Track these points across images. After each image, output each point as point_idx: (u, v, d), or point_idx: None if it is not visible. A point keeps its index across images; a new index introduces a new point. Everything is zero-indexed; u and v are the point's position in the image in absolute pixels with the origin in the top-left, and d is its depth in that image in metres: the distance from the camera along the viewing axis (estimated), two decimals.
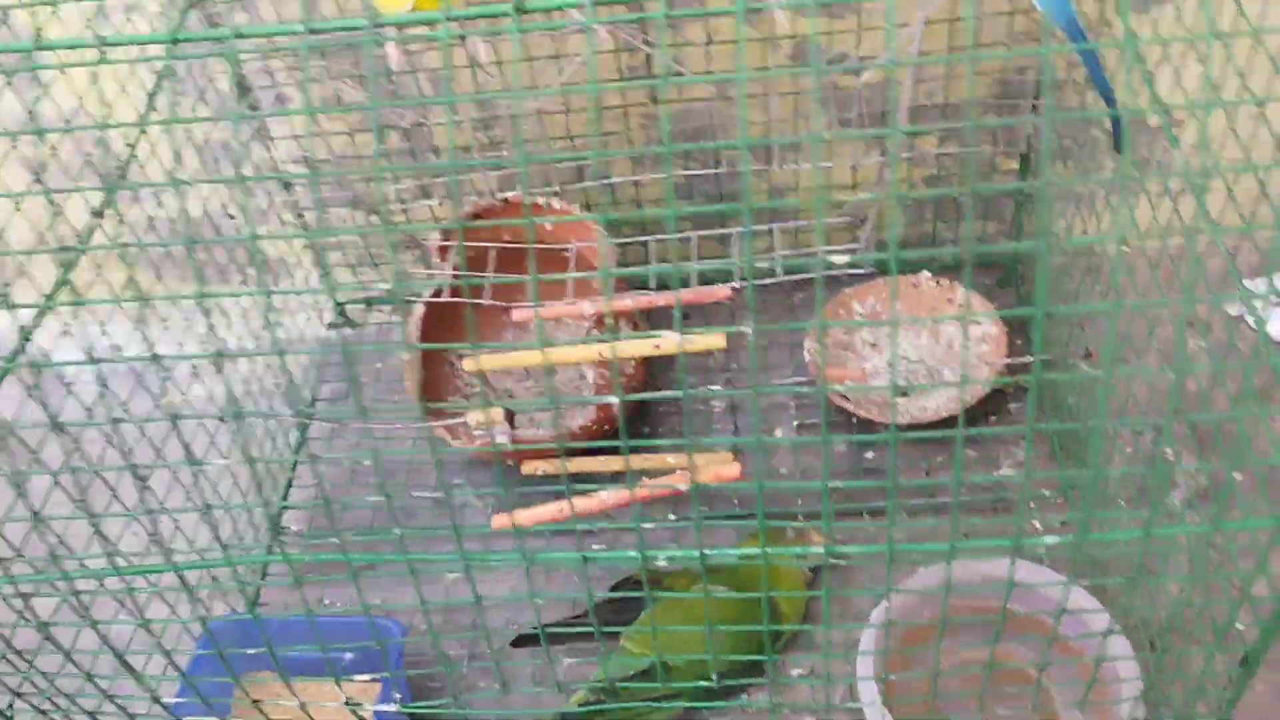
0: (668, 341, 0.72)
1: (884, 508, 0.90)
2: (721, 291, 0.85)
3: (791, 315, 1.05)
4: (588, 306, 0.85)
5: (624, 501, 0.77)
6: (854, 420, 0.95)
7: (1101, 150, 0.87)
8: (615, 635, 0.81)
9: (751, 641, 0.80)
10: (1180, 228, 0.63)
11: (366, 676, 0.78)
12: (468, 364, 0.75)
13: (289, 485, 0.98)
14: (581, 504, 0.77)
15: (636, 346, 0.73)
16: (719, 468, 0.75)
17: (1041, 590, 0.77)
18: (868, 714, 0.72)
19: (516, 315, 0.86)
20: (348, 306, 1.11)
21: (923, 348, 0.98)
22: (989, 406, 0.95)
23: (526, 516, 0.77)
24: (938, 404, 0.94)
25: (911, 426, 0.94)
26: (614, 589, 0.83)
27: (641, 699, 0.77)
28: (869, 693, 0.72)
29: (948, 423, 0.95)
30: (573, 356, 0.74)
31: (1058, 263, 0.91)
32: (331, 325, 1.10)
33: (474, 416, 0.81)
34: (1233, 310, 1.01)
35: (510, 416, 0.81)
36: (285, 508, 0.97)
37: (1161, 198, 0.71)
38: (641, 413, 1.00)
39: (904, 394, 0.95)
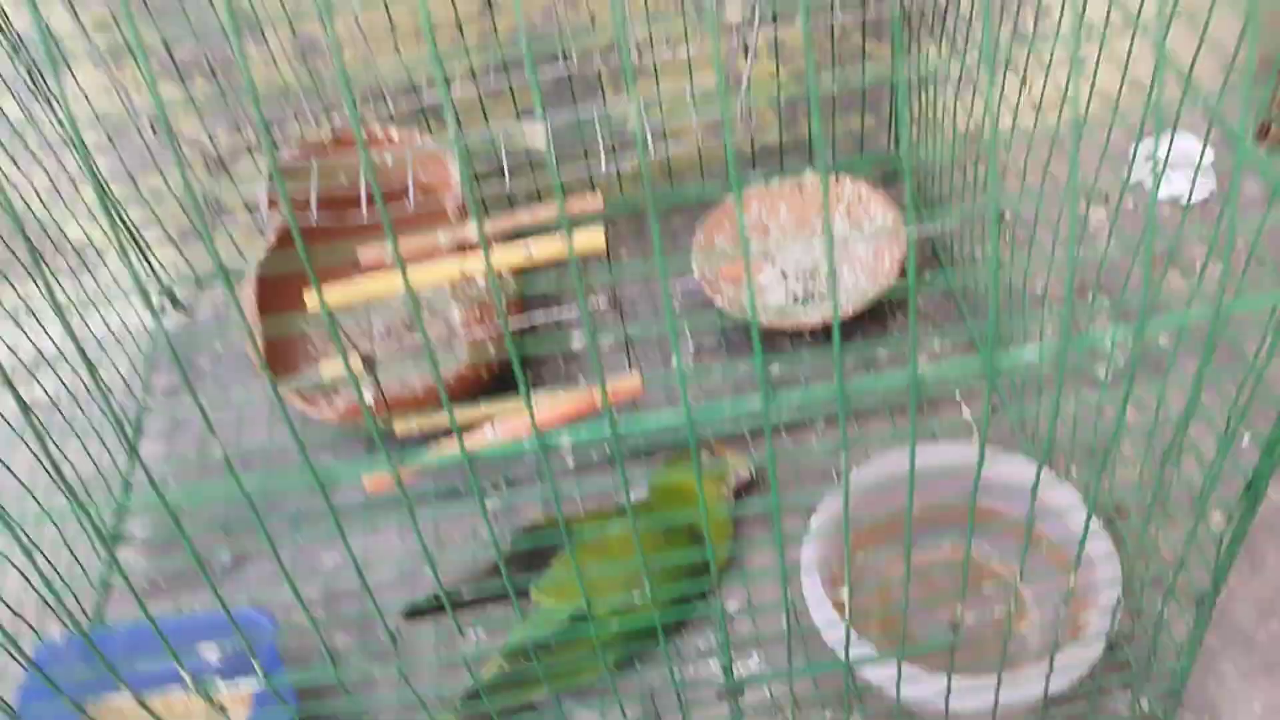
0: (542, 246, 0.63)
1: (800, 424, 0.82)
2: (592, 201, 0.75)
3: (670, 240, 0.97)
4: (443, 237, 0.74)
5: (520, 430, 0.67)
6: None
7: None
8: (524, 596, 0.71)
9: (679, 579, 0.71)
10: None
11: (234, 685, 0.66)
12: (309, 301, 0.64)
13: (126, 488, 0.85)
14: (472, 440, 0.66)
15: (507, 255, 0.63)
16: (621, 384, 0.65)
17: (991, 472, 0.70)
18: (826, 637, 0.63)
19: (364, 259, 0.75)
20: (175, 288, 0.98)
21: (817, 254, 0.91)
22: (896, 303, 0.88)
23: (409, 468, 0.66)
24: (841, 305, 0.86)
25: (816, 333, 0.87)
26: (517, 540, 0.73)
27: (564, 658, 0.67)
28: (823, 614, 0.63)
29: (853, 323, 0.88)
30: (432, 276, 0.64)
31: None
32: (159, 312, 0.97)
33: (329, 369, 0.70)
34: (1127, 175, 0.97)
35: (371, 365, 0.70)
36: (124, 509, 0.84)
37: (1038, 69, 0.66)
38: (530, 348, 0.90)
39: (804, 302, 0.88)
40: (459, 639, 0.71)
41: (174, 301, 0.97)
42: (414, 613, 0.70)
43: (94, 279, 0.87)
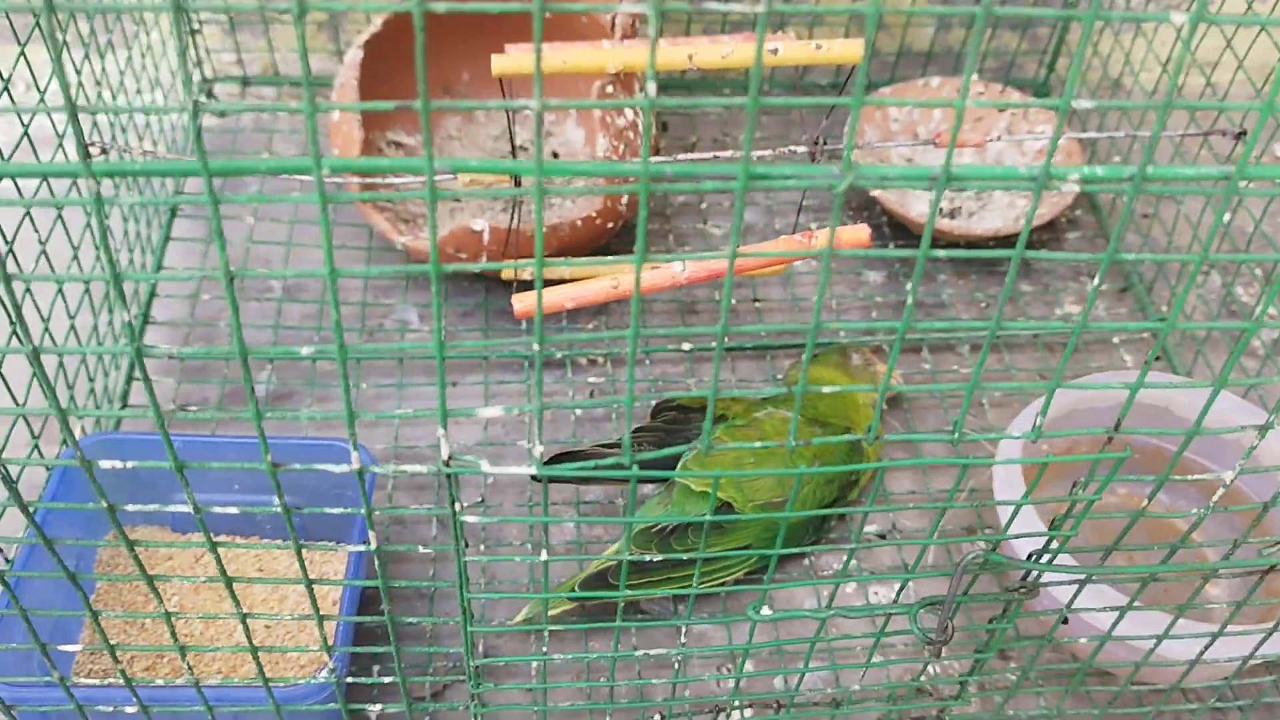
0: (791, 48, 0.52)
1: (944, 342, 0.73)
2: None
3: (816, 127, 0.87)
4: (623, 11, 0.63)
5: (681, 279, 0.56)
6: (888, 229, 0.78)
7: None
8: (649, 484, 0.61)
9: (827, 490, 0.61)
10: None
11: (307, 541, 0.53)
12: (497, 67, 0.52)
13: (151, 295, 0.71)
14: (628, 280, 0.55)
15: (739, 53, 0.52)
16: (846, 232, 0.55)
17: (1184, 408, 0.62)
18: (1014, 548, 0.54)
19: (499, 67, 0.62)
20: (217, 85, 0.84)
21: (968, 163, 0.82)
22: (1042, 236, 0.80)
23: (555, 297, 0.55)
24: (990, 225, 0.77)
25: (961, 244, 0.78)
26: (655, 414, 0.62)
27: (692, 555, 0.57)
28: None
29: (1003, 243, 0.79)
30: (628, 60, 0.53)
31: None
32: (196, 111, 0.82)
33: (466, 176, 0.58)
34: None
35: (516, 179, 0.59)
36: (147, 321, 0.70)
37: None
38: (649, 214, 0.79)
39: (951, 216, 0.78)
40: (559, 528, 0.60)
41: (209, 98, 0.83)
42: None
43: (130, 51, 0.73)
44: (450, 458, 0.33)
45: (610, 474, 0.31)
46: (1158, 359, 0.73)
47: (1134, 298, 0.77)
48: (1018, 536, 0.39)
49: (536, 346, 0.31)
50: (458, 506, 0.34)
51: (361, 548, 0.36)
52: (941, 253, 0.30)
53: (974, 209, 0.79)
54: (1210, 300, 0.77)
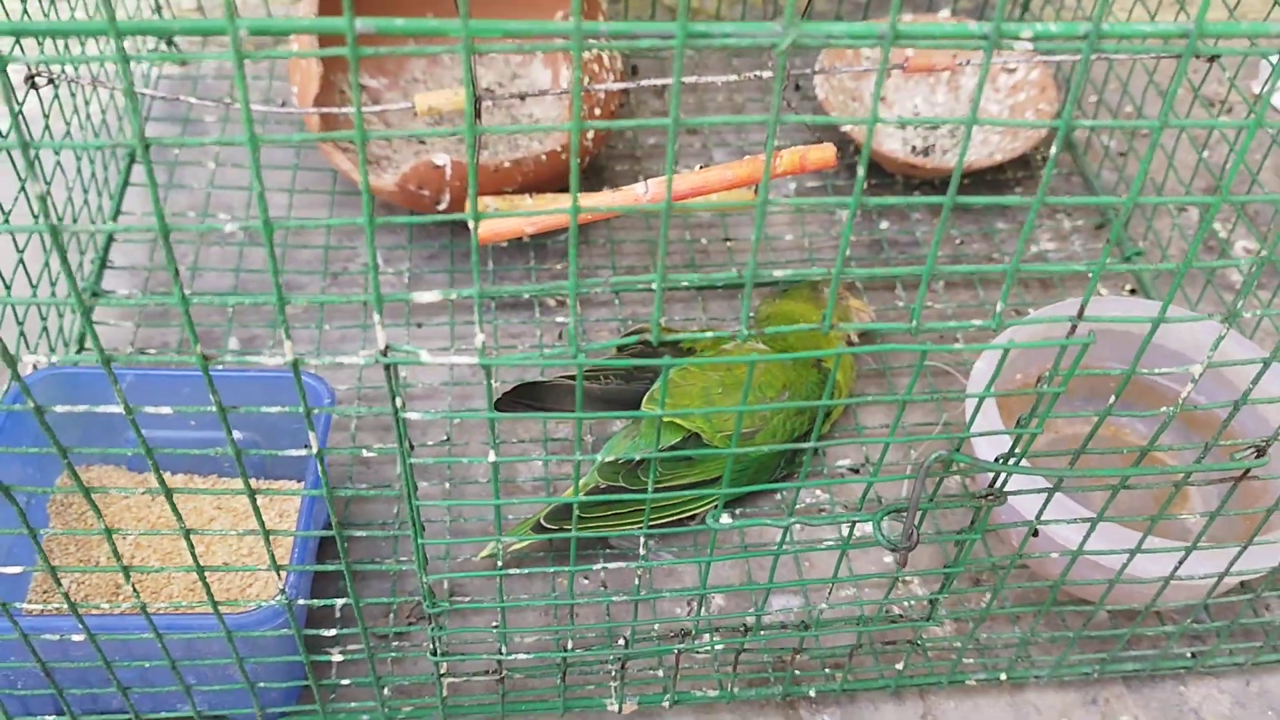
0: None
1: (918, 279, 0.72)
2: None
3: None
4: None
5: (644, 200, 0.54)
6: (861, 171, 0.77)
7: None
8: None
9: (797, 422, 0.60)
10: None
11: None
12: None
13: (109, 240, 0.70)
14: (589, 205, 0.54)
15: None
16: (812, 153, 0.54)
17: (1162, 335, 0.61)
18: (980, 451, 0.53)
19: None
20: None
21: (938, 104, 0.81)
22: (1016, 173, 0.79)
23: (514, 222, 0.54)
24: (966, 160, 0.76)
25: (934, 182, 0.77)
26: (620, 351, 0.61)
27: (669, 486, 0.56)
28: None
29: (972, 186, 0.78)
30: None
31: None
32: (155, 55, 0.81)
33: (424, 100, 0.57)
34: (1256, 88, 0.90)
35: (479, 106, 0.57)
36: (105, 266, 0.68)
37: None
38: (608, 152, 0.78)
39: (924, 154, 0.77)
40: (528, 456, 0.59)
41: (170, 46, 0.81)
42: (501, 403, 0.57)
43: None
44: (387, 347, 0.32)
45: (557, 362, 0.30)
46: (1133, 291, 0.72)
47: (1110, 233, 0.76)
48: (982, 435, 0.38)
49: (472, 224, 0.29)
50: (399, 401, 0.33)
51: (303, 452, 0.35)
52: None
53: (947, 146, 0.78)
54: (1188, 235, 0.76)
